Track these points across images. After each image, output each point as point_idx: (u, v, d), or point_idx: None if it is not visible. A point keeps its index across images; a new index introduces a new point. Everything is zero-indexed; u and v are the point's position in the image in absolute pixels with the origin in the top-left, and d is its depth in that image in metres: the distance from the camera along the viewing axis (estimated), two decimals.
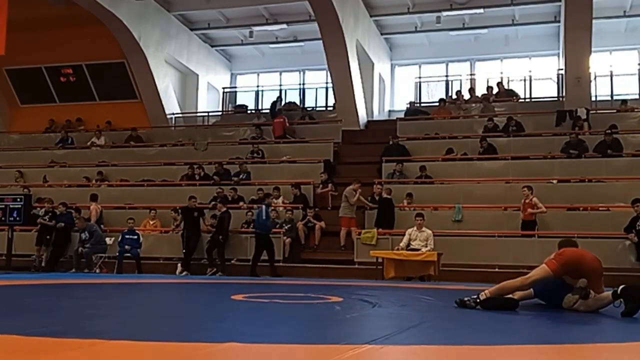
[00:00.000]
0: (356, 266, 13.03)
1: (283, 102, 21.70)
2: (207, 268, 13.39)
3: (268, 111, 20.37)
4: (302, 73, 23.29)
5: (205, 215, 13.89)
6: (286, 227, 13.84)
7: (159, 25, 19.80)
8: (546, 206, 13.55)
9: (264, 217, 13.04)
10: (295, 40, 22.05)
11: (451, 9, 19.27)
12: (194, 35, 21.77)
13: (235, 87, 23.97)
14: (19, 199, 13.77)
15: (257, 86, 23.53)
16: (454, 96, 20.23)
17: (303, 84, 23.10)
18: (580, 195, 13.56)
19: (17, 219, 13.63)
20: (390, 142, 16.63)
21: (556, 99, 18.99)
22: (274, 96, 21.61)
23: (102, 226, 14.27)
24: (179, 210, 14.27)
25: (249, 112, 21.88)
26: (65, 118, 21.20)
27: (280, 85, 23.22)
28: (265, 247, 12.96)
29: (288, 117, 19.34)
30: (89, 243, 13.34)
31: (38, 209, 15.03)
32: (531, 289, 5.94)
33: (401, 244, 11.98)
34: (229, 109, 22.65)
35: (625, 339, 4.00)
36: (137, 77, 19.99)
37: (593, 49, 16.73)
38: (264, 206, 13.25)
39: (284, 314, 5.19)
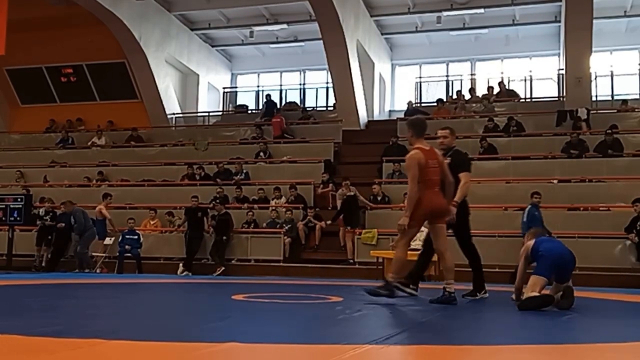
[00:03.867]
0: (356, 266, 13.03)
1: (283, 102, 21.73)
2: (210, 268, 13.41)
3: (262, 111, 20.38)
4: (302, 73, 23.29)
5: (209, 215, 13.93)
6: (286, 227, 13.85)
7: (160, 25, 19.81)
8: (547, 206, 13.55)
9: (524, 219, 11.74)
10: (296, 40, 22.05)
11: (452, 9, 19.27)
12: (194, 35, 21.78)
13: (236, 87, 23.97)
14: (19, 199, 13.77)
15: (258, 86, 23.53)
16: (455, 96, 20.24)
17: (303, 84, 23.10)
18: (581, 195, 13.56)
19: (18, 219, 13.63)
20: (391, 142, 16.63)
21: (556, 99, 18.98)
22: (274, 96, 21.59)
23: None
24: (180, 210, 14.29)
25: (249, 112, 21.91)
26: (65, 118, 21.22)
27: (281, 85, 23.23)
28: None
29: (288, 117, 19.36)
30: (76, 233, 13.38)
31: (38, 209, 15.03)
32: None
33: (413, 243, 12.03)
34: (230, 109, 22.66)
35: (625, 339, 4.00)
36: (137, 77, 20.00)
37: (593, 49, 16.73)
38: (529, 206, 12.00)
39: (284, 314, 5.19)
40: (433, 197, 5.94)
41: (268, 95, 20.88)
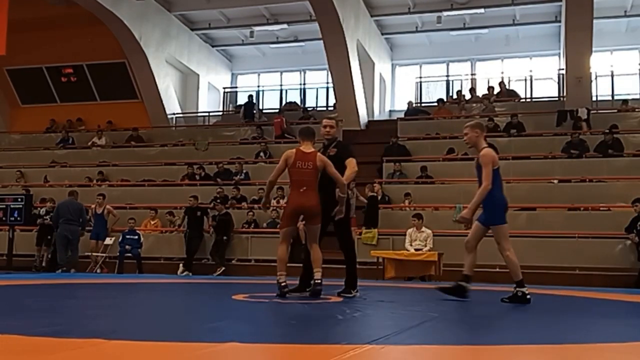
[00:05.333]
0: (356, 266, 12.99)
1: (283, 102, 21.70)
2: (210, 268, 13.42)
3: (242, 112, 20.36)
4: (302, 73, 23.30)
5: (209, 215, 13.93)
6: None
7: (160, 25, 19.81)
8: (547, 206, 13.57)
9: None
10: (296, 40, 22.07)
11: (452, 9, 19.28)
12: (194, 35, 21.79)
13: (236, 87, 23.98)
14: (19, 199, 13.77)
15: (258, 86, 23.54)
16: (455, 96, 20.24)
17: (304, 84, 23.11)
18: (581, 195, 13.56)
19: (18, 219, 13.63)
20: (391, 142, 16.64)
21: (557, 99, 19.00)
22: (275, 96, 21.57)
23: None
24: (181, 210, 14.30)
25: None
26: (66, 118, 21.23)
27: (281, 85, 23.24)
28: None
29: (288, 117, 19.36)
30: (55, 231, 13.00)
31: (38, 209, 15.03)
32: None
33: (406, 245, 12.03)
34: (230, 109, 22.66)
35: (626, 339, 4.00)
36: (137, 77, 20.01)
37: (594, 49, 16.73)
38: None
39: (284, 313, 5.19)
40: (297, 197, 6.31)
41: (250, 97, 20.85)
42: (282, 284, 6.32)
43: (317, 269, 6.47)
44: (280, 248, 6.58)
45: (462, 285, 6.31)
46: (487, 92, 19.67)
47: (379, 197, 14.31)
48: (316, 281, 6.37)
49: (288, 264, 6.94)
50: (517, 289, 6.15)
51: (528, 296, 6.11)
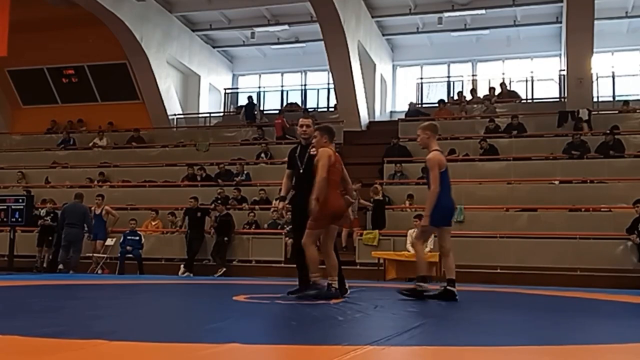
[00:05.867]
0: (358, 267, 13.03)
1: (284, 103, 21.68)
2: (211, 269, 13.43)
3: (243, 113, 20.34)
4: (303, 74, 23.31)
5: (211, 216, 13.94)
6: (287, 228, 13.84)
7: (161, 26, 19.83)
8: (548, 207, 13.56)
9: None
10: (297, 41, 22.08)
11: (453, 10, 19.29)
12: (195, 36, 21.80)
13: (237, 88, 24.00)
14: (20, 200, 13.78)
15: (259, 87, 23.55)
16: (456, 97, 20.24)
17: (305, 84, 23.11)
18: (582, 196, 13.56)
19: (19, 219, 13.63)
20: (392, 143, 16.63)
21: (558, 99, 18.99)
22: (276, 97, 21.55)
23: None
24: (182, 211, 14.31)
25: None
26: (67, 119, 21.25)
27: (282, 86, 23.25)
28: None
29: (289, 118, 19.37)
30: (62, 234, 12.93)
31: (40, 209, 15.04)
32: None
33: (407, 246, 12.03)
34: (231, 110, 22.67)
35: (626, 340, 4.00)
36: (138, 78, 20.02)
37: (595, 50, 16.73)
38: None
39: (285, 314, 5.20)
40: (337, 198, 6.24)
41: (250, 97, 20.86)
42: (323, 285, 6.19)
43: (333, 278, 6.25)
44: (311, 249, 6.25)
45: (450, 290, 6.32)
46: (488, 93, 19.68)
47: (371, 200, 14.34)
48: (333, 286, 6.23)
49: (290, 265, 6.91)
50: (418, 283, 6.38)
51: (425, 293, 6.31)
